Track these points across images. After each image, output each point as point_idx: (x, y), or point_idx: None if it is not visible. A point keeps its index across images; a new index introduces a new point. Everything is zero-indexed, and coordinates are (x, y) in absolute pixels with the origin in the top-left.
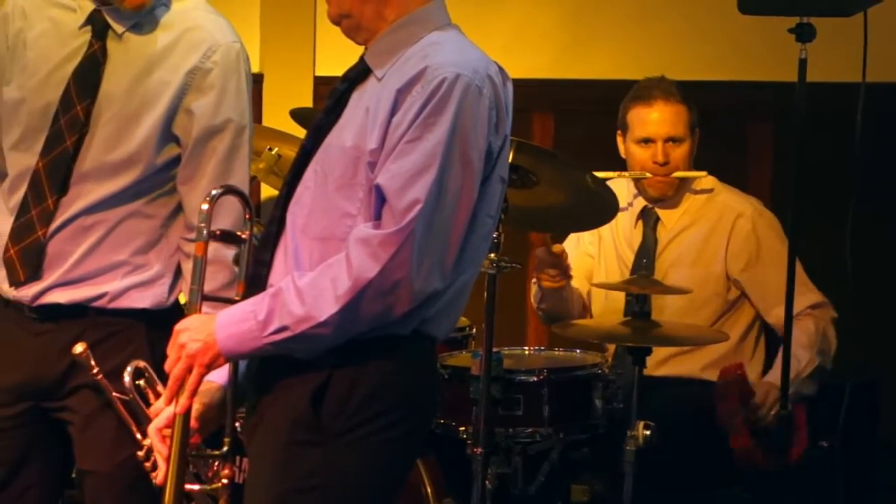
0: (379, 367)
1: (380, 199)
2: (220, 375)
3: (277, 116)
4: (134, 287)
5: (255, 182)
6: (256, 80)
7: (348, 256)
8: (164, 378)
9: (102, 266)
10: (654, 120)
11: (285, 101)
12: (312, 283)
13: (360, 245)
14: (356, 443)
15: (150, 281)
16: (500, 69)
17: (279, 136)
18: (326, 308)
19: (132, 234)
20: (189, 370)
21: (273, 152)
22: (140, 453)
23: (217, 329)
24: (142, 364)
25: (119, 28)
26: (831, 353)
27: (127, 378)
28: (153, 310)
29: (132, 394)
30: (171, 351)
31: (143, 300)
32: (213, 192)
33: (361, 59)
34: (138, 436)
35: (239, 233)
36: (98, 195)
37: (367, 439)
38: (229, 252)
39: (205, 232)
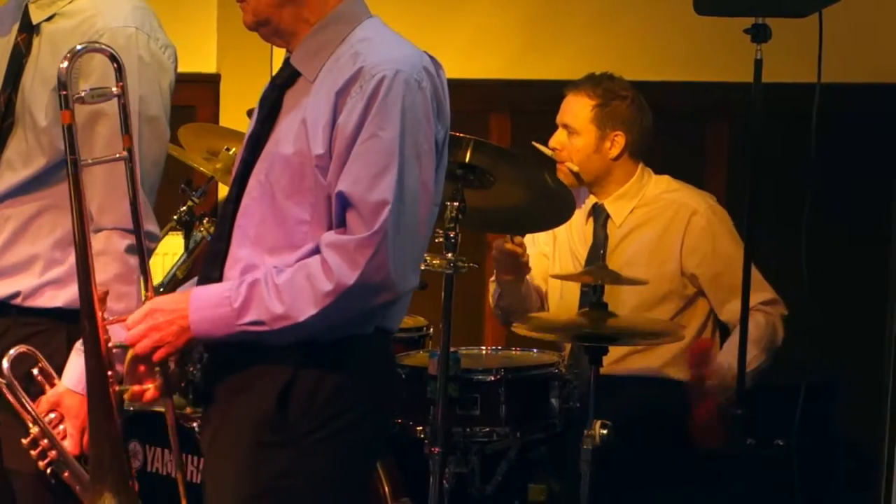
0: (343, 365)
1: (342, 204)
2: None
3: (234, 117)
4: (48, 284)
5: (212, 182)
6: (213, 81)
7: (325, 261)
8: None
9: (20, 260)
10: (561, 108)
11: (242, 101)
12: (291, 283)
13: (337, 251)
14: (324, 441)
15: (65, 278)
16: (432, 58)
17: (237, 137)
18: (306, 310)
19: (50, 227)
20: (153, 350)
21: (231, 152)
22: (25, 441)
23: (191, 310)
24: (25, 349)
25: (35, 19)
26: (775, 350)
27: (5, 363)
28: (71, 309)
29: (10, 380)
30: (140, 327)
31: (56, 299)
32: (77, 47)
33: (287, 63)
34: (30, 424)
35: (112, 88)
36: (11, 182)
37: (334, 437)
38: (122, 242)
39: (70, 96)
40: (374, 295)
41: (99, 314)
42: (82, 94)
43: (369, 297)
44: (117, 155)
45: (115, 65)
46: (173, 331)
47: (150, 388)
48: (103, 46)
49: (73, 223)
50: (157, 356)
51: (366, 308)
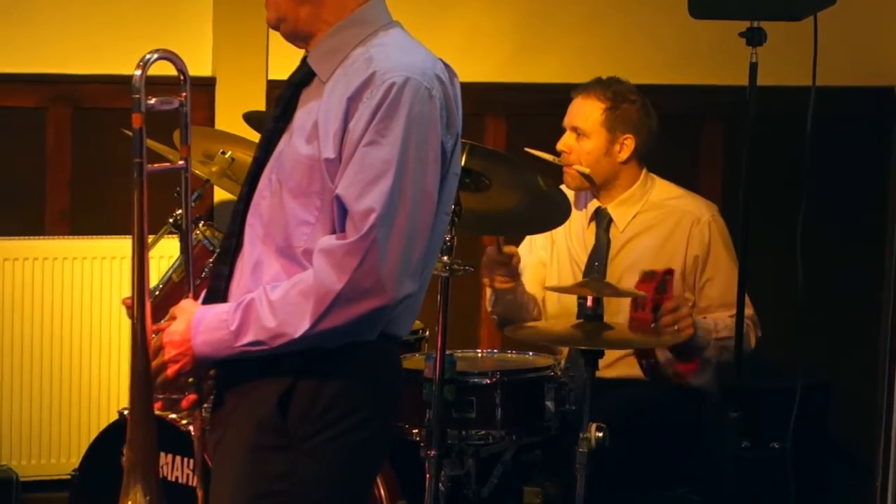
0: (345, 370)
1: (341, 209)
2: None
3: (230, 120)
4: None
5: (208, 185)
6: (209, 84)
7: (315, 270)
8: None
9: None
10: (568, 111)
11: (238, 104)
12: (285, 298)
13: (326, 257)
14: (324, 445)
15: None
16: (446, 66)
17: (232, 140)
18: (300, 324)
19: None
20: (178, 375)
21: (226, 156)
22: None
23: (192, 334)
24: None
25: None
26: (748, 349)
27: None
28: None
29: None
30: (158, 360)
31: None
32: (147, 56)
33: (304, 62)
34: None
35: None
36: None
37: (333, 441)
38: None
39: (142, 100)
40: (365, 300)
41: (149, 319)
42: (152, 101)
43: (360, 302)
44: (178, 163)
45: (182, 77)
46: (187, 360)
47: (182, 399)
48: (171, 55)
49: (135, 227)
50: (183, 380)
51: (360, 314)
